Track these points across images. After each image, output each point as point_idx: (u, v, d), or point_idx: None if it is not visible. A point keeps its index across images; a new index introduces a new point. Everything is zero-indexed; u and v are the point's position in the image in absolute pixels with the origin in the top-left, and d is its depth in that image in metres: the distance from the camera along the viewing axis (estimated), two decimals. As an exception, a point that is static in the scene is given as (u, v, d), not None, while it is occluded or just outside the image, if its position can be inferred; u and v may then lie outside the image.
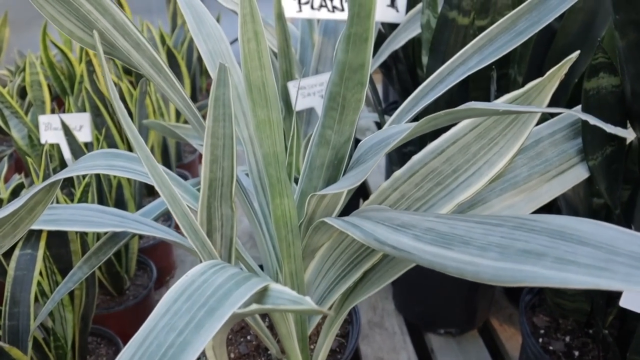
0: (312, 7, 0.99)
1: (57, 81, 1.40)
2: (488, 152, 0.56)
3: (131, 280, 1.03)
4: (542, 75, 0.82)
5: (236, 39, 1.55)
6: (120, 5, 1.71)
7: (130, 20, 0.60)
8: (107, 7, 0.58)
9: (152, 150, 1.20)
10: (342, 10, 0.98)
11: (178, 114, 1.28)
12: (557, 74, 0.55)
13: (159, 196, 1.40)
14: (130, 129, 0.53)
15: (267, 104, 0.55)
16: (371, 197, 0.59)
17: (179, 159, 1.39)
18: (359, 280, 0.61)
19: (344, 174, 0.61)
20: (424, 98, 0.65)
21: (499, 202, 0.57)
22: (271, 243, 0.66)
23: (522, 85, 0.79)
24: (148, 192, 1.32)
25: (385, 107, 1.43)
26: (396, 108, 0.65)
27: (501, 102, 0.55)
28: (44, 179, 0.96)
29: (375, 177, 1.49)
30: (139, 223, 0.71)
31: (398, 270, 0.59)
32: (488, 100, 0.71)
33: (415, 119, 0.65)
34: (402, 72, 1.09)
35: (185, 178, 1.37)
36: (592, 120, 0.48)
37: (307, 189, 0.62)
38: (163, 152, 1.20)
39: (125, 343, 0.53)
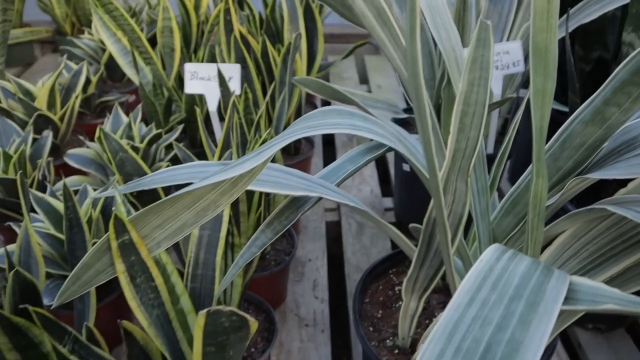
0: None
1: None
2: None
3: (271, 244, 0.98)
4: None
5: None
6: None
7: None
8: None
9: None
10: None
11: (309, 69, 1.21)
12: None
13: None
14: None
15: (545, 71, 0.48)
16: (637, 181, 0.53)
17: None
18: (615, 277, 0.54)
19: (596, 156, 0.54)
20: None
21: None
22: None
23: None
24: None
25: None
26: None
27: None
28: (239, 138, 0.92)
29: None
30: (325, 188, 0.67)
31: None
32: None
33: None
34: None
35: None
36: None
37: (551, 170, 0.56)
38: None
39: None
